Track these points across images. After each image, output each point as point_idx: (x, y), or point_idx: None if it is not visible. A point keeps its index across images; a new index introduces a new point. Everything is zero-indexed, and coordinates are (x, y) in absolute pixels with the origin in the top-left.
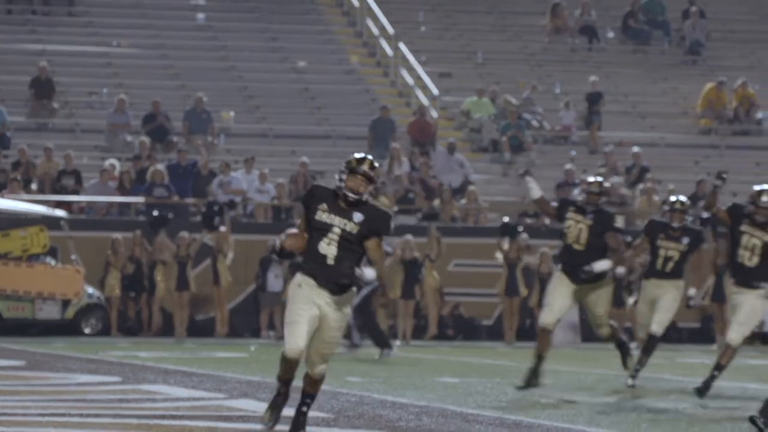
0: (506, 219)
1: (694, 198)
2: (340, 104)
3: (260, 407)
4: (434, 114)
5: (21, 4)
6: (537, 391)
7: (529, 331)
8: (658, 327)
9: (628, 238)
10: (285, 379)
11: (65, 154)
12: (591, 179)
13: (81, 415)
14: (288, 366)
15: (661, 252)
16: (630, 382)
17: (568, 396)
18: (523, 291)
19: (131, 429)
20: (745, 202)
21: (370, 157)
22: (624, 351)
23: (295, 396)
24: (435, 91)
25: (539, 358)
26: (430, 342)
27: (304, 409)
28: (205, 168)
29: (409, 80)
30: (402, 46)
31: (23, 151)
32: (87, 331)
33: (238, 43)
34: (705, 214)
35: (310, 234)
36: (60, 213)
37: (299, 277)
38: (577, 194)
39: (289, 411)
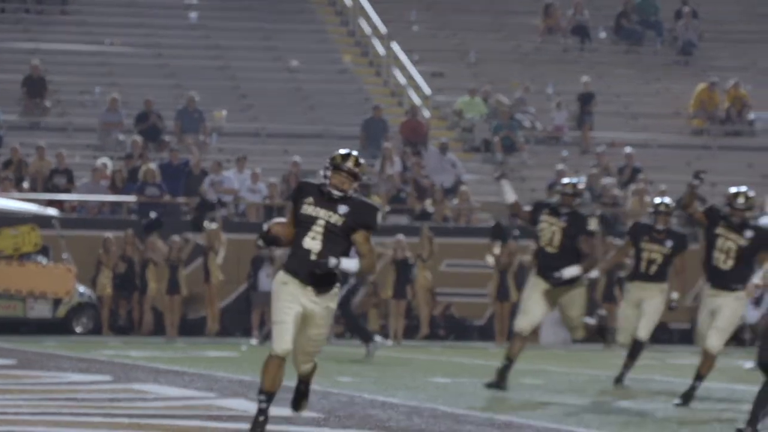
0: (497, 221)
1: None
2: (332, 103)
3: (251, 407)
4: (426, 114)
5: (14, 3)
6: (527, 391)
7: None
8: (644, 333)
9: (617, 240)
10: (268, 392)
11: (57, 153)
12: (565, 180)
13: (72, 414)
14: (273, 369)
15: (645, 255)
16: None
17: (558, 396)
18: (514, 296)
19: (122, 428)
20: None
21: (355, 153)
22: (605, 333)
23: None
24: (427, 90)
25: (509, 360)
26: (421, 342)
27: (302, 387)
28: (197, 167)
29: (402, 80)
30: (394, 46)
31: (15, 149)
32: (78, 330)
33: (231, 42)
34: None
35: (296, 230)
36: (52, 212)
37: (283, 275)
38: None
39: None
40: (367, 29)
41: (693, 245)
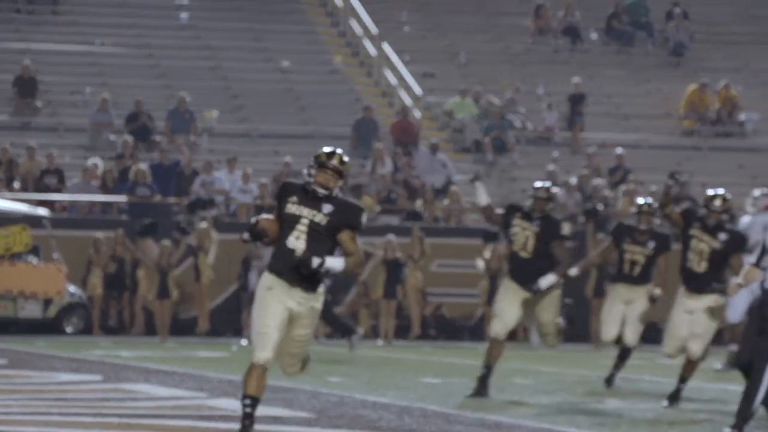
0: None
1: (676, 200)
2: (323, 104)
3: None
4: (417, 114)
5: (5, 3)
6: (518, 391)
7: (512, 332)
8: (631, 338)
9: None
10: (252, 396)
11: (48, 153)
12: (538, 185)
13: (62, 414)
14: (255, 377)
15: (627, 256)
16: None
17: (548, 397)
18: None
19: (112, 428)
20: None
21: (339, 151)
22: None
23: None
24: (418, 91)
25: (487, 368)
26: (411, 342)
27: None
28: (188, 167)
29: (393, 80)
30: (385, 47)
31: (6, 149)
32: (69, 330)
33: (222, 42)
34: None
35: (280, 230)
36: (42, 212)
37: (268, 278)
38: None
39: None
40: (358, 30)
41: (677, 245)
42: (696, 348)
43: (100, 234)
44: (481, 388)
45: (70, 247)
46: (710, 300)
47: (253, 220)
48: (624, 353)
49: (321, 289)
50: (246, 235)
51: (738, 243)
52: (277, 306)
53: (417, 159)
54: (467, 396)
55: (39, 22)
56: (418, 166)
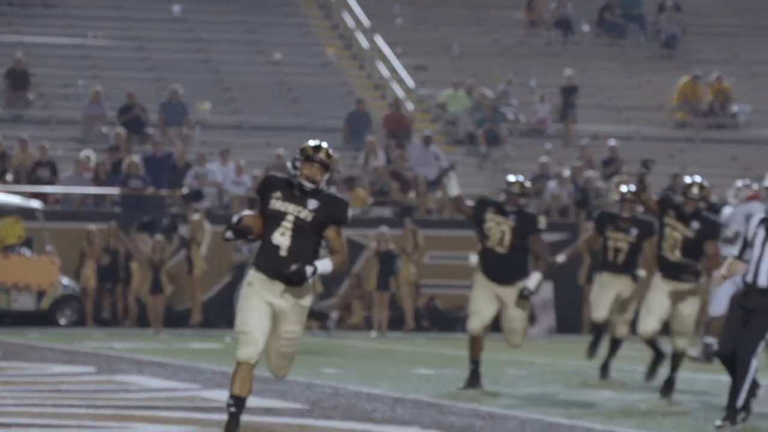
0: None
1: (669, 191)
2: (316, 97)
3: None
4: (410, 107)
5: None
6: (512, 382)
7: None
8: (623, 330)
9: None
10: (237, 396)
11: (41, 146)
12: (512, 179)
13: (55, 406)
14: (241, 375)
15: (610, 243)
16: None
17: (542, 387)
18: None
19: (105, 419)
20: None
21: (325, 144)
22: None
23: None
24: (411, 83)
25: (474, 362)
26: (405, 333)
27: None
28: (181, 160)
29: (385, 73)
30: (378, 39)
31: None
32: (62, 321)
33: (214, 35)
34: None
35: (264, 225)
36: (35, 204)
37: (251, 274)
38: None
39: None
40: (351, 22)
41: None
42: (679, 342)
43: (93, 226)
44: (473, 381)
45: (63, 239)
46: (689, 289)
47: (235, 218)
48: (614, 345)
49: (307, 285)
50: (229, 234)
51: (711, 230)
52: (257, 302)
53: (410, 151)
54: (459, 388)
55: (31, 15)
56: (410, 159)
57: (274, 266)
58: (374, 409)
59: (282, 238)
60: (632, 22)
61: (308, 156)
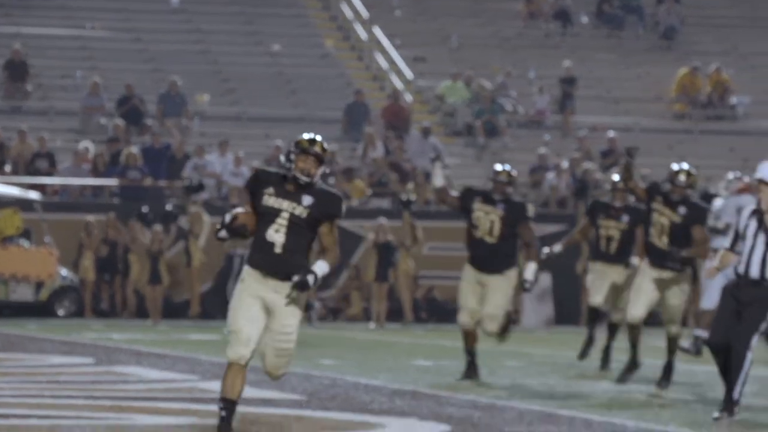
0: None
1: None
2: (314, 88)
3: None
4: (408, 98)
5: None
6: (510, 373)
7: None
8: (619, 315)
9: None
10: (227, 398)
11: (39, 137)
12: (498, 168)
13: (54, 397)
14: (231, 375)
15: (602, 232)
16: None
17: (540, 379)
18: None
19: (104, 410)
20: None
21: (320, 137)
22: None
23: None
24: (409, 75)
25: (470, 354)
26: (403, 325)
27: None
28: (180, 151)
29: (384, 64)
30: (376, 30)
31: None
32: (60, 313)
33: (212, 26)
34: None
35: (257, 221)
36: (34, 195)
37: (245, 270)
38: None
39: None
40: (349, 14)
41: None
42: (673, 330)
43: (91, 217)
44: (470, 372)
45: (62, 230)
46: (674, 279)
47: (228, 216)
48: (613, 327)
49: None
50: (223, 233)
51: (698, 215)
52: (248, 299)
53: (408, 142)
54: (457, 379)
55: (29, 6)
56: (409, 150)
57: (269, 263)
58: (372, 401)
59: (276, 235)
60: (631, 14)
61: (303, 149)
